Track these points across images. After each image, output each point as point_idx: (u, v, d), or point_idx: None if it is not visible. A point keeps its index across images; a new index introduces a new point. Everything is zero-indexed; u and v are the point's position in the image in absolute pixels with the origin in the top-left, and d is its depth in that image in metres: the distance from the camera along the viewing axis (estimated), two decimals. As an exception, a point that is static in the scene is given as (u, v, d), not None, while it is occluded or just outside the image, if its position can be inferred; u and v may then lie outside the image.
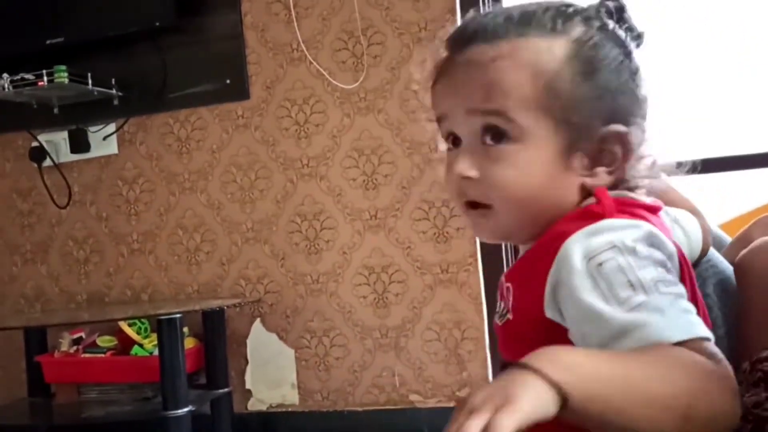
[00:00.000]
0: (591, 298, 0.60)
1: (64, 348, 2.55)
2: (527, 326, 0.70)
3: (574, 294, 0.62)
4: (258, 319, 2.63)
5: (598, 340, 0.59)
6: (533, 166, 0.70)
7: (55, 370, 2.55)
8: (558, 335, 0.65)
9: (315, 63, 2.51)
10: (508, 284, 0.74)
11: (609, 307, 0.59)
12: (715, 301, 0.74)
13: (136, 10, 2.61)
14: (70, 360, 2.53)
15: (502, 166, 0.70)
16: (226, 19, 2.61)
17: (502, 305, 0.75)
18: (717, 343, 0.59)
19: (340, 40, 2.53)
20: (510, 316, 0.72)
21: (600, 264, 0.61)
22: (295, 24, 2.51)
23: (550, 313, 0.66)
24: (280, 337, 2.61)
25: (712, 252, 0.89)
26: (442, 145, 0.78)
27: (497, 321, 0.76)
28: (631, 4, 0.75)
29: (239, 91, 2.62)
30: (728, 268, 0.83)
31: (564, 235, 0.66)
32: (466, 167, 0.72)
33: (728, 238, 1.03)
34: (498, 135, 0.71)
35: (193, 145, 2.69)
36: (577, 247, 0.64)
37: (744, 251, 0.80)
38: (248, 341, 2.64)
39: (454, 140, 0.75)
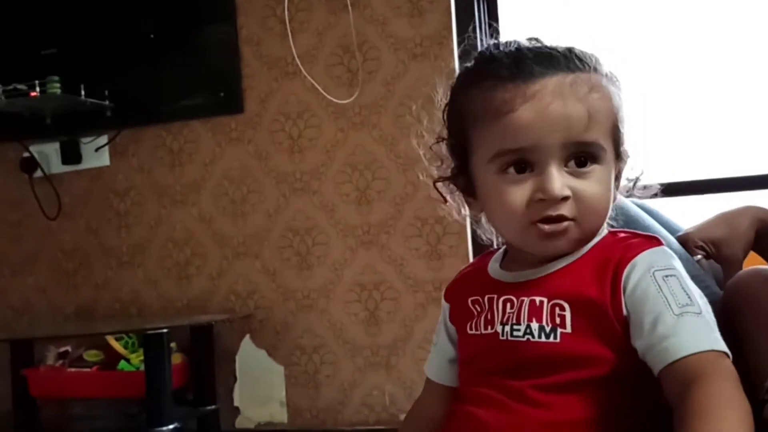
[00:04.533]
0: (660, 298, 0.75)
1: (49, 362, 2.52)
2: (593, 335, 0.77)
3: (648, 293, 0.75)
4: (247, 335, 2.60)
5: (658, 334, 0.73)
6: (610, 184, 0.82)
7: (40, 384, 2.51)
8: (617, 340, 0.76)
9: (309, 77, 2.50)
10: (543, 299, 0.78)
11: (668, 308, 0.74)
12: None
13: (131, 21, 2.61)
14: (56, 374, 2.49)
15: (591, 184, 0.79)
16: (221, 33, 2.60)
17: (534, 323, 0.78)
18: None
19: (335, 55, 2.52)
20: (567, 330, 0.77)
21: (666, 276, 0.77)
22: (291, 38, 2.49)
23: (625, 311, 0.76)
24: (270, 354, 2.58)
25: (706, 273, 0.87)
26: (513, 172, 0.79)
27: (528, 338, 0.78)
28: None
29: (233, 104, 2.60)
30: (719, 292, 0.81)
31: (633, 249, 0.79)
32: (564, 188, 0.78)
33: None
34: (585, 159, 0.79)
35: (185, 158, 2.67)
36: (647, 260, 0.78)
37: (734, 278, 0.78)
38: (237, 357, 2.60)
39: (523, 166, 0.78)
